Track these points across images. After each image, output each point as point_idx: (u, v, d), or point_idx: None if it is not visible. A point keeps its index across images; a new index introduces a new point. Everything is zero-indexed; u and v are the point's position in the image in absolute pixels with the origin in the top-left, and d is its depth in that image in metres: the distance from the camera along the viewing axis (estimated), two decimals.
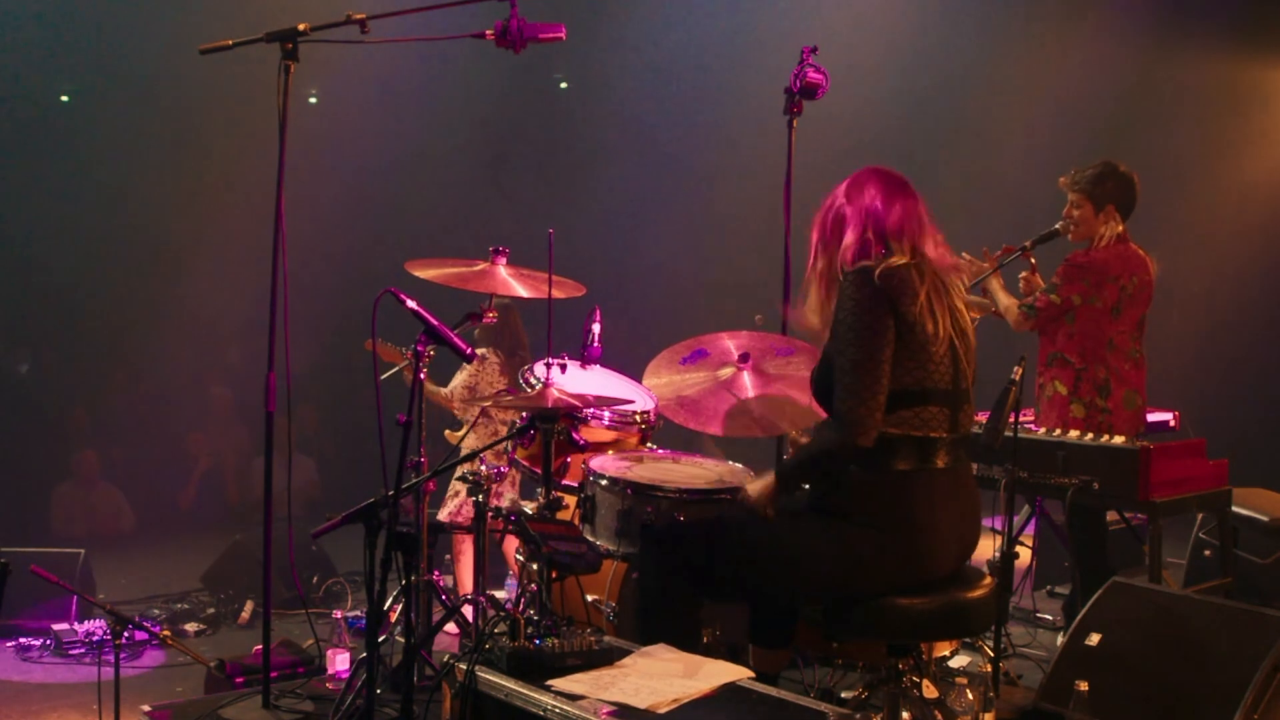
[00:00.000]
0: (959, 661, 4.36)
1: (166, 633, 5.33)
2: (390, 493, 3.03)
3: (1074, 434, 4.50)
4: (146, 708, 3.99)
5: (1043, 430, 4.66)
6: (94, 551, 6.22)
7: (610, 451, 4.08)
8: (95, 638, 5.35)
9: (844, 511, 3.11)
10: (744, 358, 4.07)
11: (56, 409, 8.98)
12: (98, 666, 4.94)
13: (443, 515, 5.67)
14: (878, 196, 3.16)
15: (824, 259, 3.22)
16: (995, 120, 8.99)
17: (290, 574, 5.20)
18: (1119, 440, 4.38)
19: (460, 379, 5.78)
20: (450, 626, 4.90)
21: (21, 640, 5.44)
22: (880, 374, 2.99)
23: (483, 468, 3.98)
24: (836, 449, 3.04)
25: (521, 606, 3.28)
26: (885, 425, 3.02)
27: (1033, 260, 5.01)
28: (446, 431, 5.81)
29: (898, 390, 3.02)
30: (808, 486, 3.48)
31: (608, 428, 4.14)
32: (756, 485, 3.33)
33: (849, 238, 3.14)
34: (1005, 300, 4.94)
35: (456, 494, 5.65)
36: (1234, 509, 4.75)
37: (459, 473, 4.21)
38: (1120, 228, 4.83)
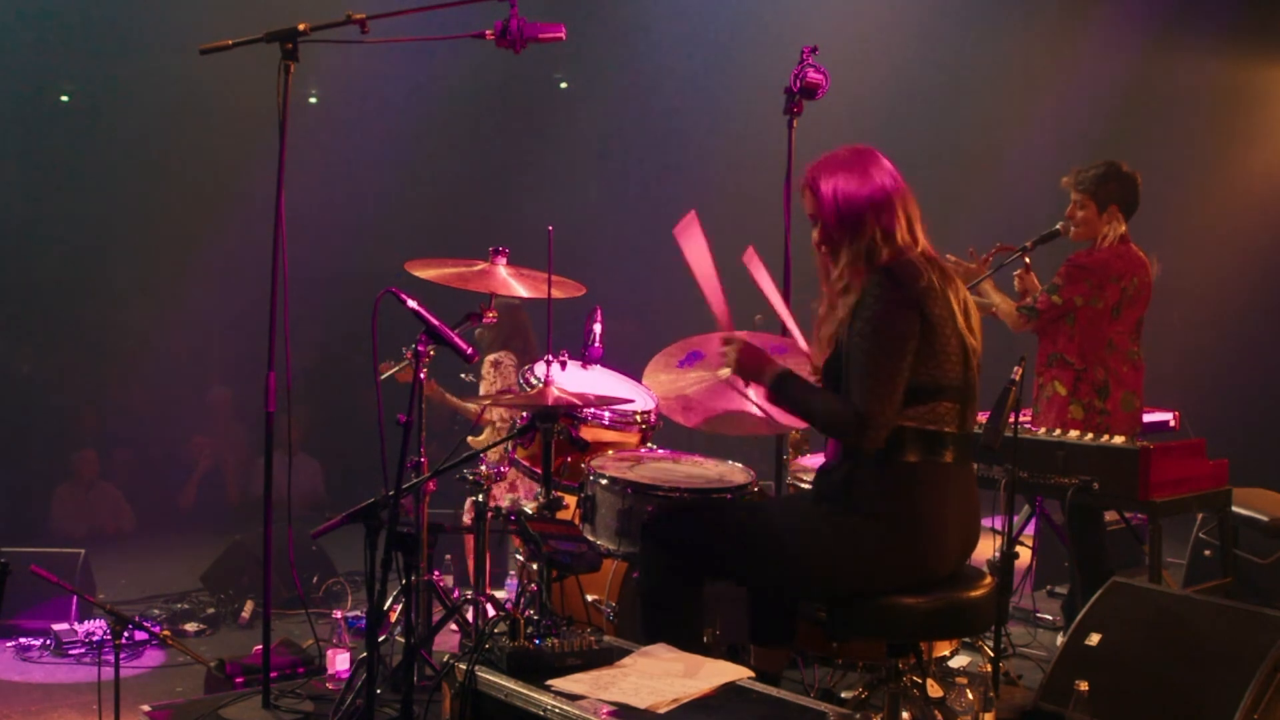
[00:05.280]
0: (959, 661, 4.36)
1: (166, 633, 5.33)
2: (390, 493, 3.03)
3: (1074, 434, 4.50)
4: (146, 708, 3.99)
5: (1043, 430, 4.66)
6: (94, 551, 6.21)
7: (610, 451, 4.08)
8: (95, 638, 5.34)
9: (849, 503, 3.11)
10: None
11: (57, 409, 8.97)
12: (98, 666, 4.94)
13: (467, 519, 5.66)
14: (886, 181, 3.14)
15: (848, 253, 3.15)
16: (995, 120, 8.99)
17: (290, 574, 5.20)
18: (1119, 440, 4.37)
19: (484, 389, 5.76)
20: (451, 626, 4.90)
21: (21, 640, 5.44)
22: (900, 380, 3.00)
23: (483, 468, 3.98)
24: (847, 440, 3.08)
25: (521, 606, 3.28)
26: (900, 419, 3.03)
27: (1027, 260, 5.00)
28: (470, 439, 5.80)
29: (913, 386, 3.03)
30: (809, 481, 3.49)
31: (608, 428, 4.14)
32: (752, 360, 3.30)
33: (871, 230, 3.11)
34: (1000, 301, 4.93)
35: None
36: (1234, 509, 4.74)
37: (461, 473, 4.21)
38: (1123, 228, 4.83)
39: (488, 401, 5.59)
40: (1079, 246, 4.91)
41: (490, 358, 5.71)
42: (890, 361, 3.00)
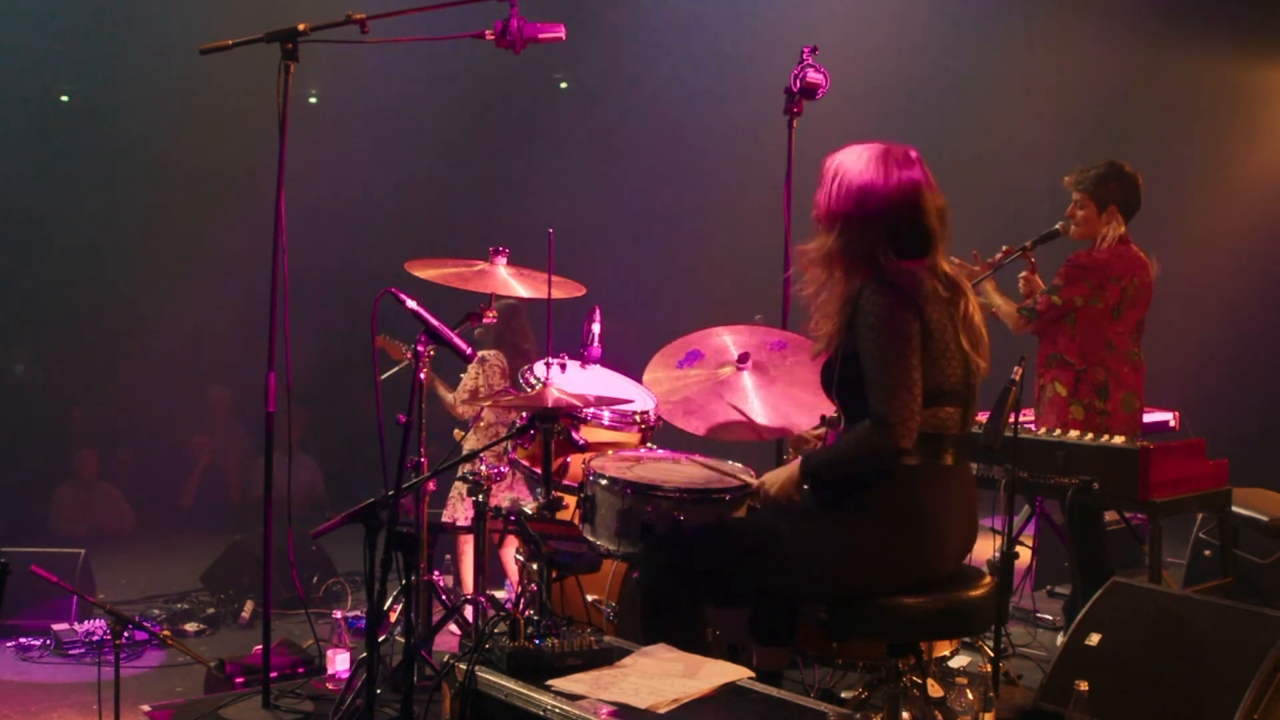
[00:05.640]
0: (959, 661, 4.36)
1: (166, 633, 5.32)
2: (390, 493, 3.03)
3: (1074, 434, 4.50)
4: (146, 708, 4.00)
5: (1043, 430, 4.66)
6: (94, 551, 6.21)
7: (610, 451, 4.08)
8: (95, 638, 5.34)
9: (851, 507, 3.11)
10: (743, 358, 4.07)
11: (56, 409, 8.97)
12: (98, 666, 4.94)
13: (446, 517, 5.67)
14: (908, 185, 3.12)
15: (843, 238, 3.14)
16: (995, 120, 8.99)
17: (290, 574, 5.20)
18: (1119, 440, 4.37)
19: (464, 383, 5.77)
20: (451, 626, 4.90)
21: (21, 640, 5.44)
22: (915, 376, 3.00)
23: (483, 468, 3.98)
24: (878, 451, 3.02)
25: (521, 606, 3.28)
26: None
27: (1032, 260, 5.00)
28: (456, 431, 5.81)
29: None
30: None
31: (608, 428, 4.14)
32: (778, 478, 3.34)
33: (880, 228, 3.10)
34: (1001, 303, 4.92)
35: (461, 495, 5.64)
36: (1234, 509, 4.75)
37: (460, 473, 4.21)
38: (1122, 229, 4.83)
39: (486, 402, 5.59)
40: (1080, 246, 4.91)
41: (479, 354, 5.71)
42: (901, 360, 2.99)
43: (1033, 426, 4.82)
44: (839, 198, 3.14)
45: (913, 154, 3.18)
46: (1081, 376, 4.81)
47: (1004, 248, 4.97)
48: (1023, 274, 5.03)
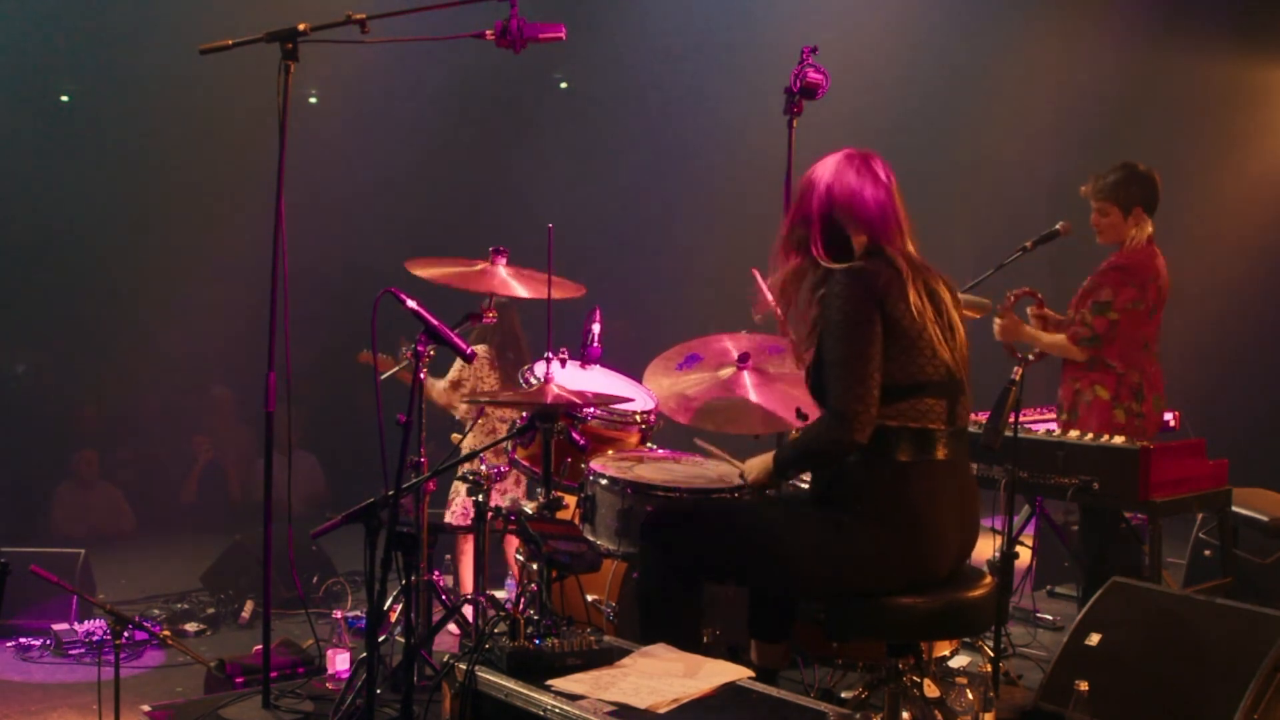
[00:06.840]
0: (959, 661, 4.36)
1: (166, 633, 5.33)
2: (390, 493, 3.03)
3: (1074, 434, 4.49)
4: (146, 708, 4.00)
5: (1042, 430, 4.64)
6: (94, 551, 6.21)
7: (610, 451, 4.08)
8: (95, 638, 5.34)
9: (844, 505, 3.11)
10: (744, 358, 4.08)
11: (56, 409, 8.97)
12: (98, 666, 4.94)
13: (447, 517, 5.66)
14: (862, 184, 3.16)
15: (802, 231, 3.21)
16: (995, 120, 8.99)
17: (290, 574, 5.20)
18: (1119, 440, 4.37)
19: (449, 374, 5.73)
20: (451, 626, 4.90)
21: (21, 640, 5.44)
22: (871, 369, 3.01)
23: (482, 467, 3.98)
24: (832, 445, 3.05)
25: (521, 606, 3.28)
26: (883, 418, 3.04)
27: (1039, 296, 4.94)
28: (454, 436, 5.79)
29: (892, 384, 3.04)
30: (807, 482, 3.49)
31: (607, 428, 4.14)
32: (755, 467, 3.37)
33: (835, 225, 3.16)
34: (1048, 340, 4.82)
35: (458, 494, 5.64)
36: (1234, 509, 4.74)
37: (459, 473, 4.21)
38: (1150, 228, 4.80)
39: (486, 401, 5.58)
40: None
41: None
42: (856, 354, 3.00)
43: (1053, 428, 4.75)
44: (811, 198, 3.20)
45: (874, 159, 3.24)
46: (1122, 380, 4.76)
47: (1024, 289, 4.90)
48: (1032, 311, 4.94)
